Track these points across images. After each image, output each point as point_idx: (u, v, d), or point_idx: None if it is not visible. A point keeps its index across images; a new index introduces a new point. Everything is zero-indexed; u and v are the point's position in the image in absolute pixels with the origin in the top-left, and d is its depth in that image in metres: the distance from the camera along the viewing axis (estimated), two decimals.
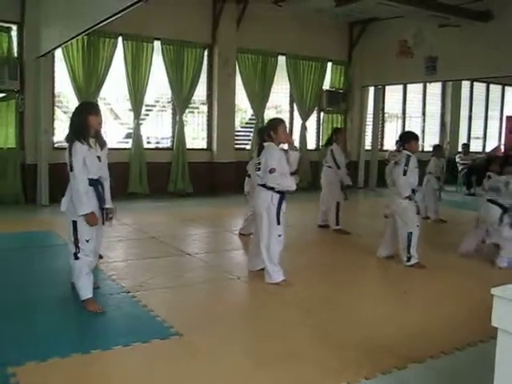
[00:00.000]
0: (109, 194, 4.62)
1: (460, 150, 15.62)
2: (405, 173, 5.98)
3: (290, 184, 5.23)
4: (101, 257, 5.85)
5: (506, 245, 6.17)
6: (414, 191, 6.09)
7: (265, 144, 5.33)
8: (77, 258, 4.39)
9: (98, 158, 4.42)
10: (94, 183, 4.41)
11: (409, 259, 6.11)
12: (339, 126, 12.84)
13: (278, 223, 5.23)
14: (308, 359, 3.65)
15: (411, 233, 6.03)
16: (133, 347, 3.76)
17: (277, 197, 5.21)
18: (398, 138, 6.44)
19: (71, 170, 4.27)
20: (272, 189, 5.20)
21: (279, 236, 5.27)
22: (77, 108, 4.68)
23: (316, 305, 4.81)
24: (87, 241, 4.37)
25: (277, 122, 5.40)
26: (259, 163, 5.28)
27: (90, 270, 4.50)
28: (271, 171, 5.13)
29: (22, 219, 8.74)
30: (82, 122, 4.34)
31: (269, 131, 5.32)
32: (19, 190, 10.18)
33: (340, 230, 8.14)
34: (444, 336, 4.12)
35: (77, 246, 4.37)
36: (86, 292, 4.43)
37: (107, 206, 4.56)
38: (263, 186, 5.26)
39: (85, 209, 4.27)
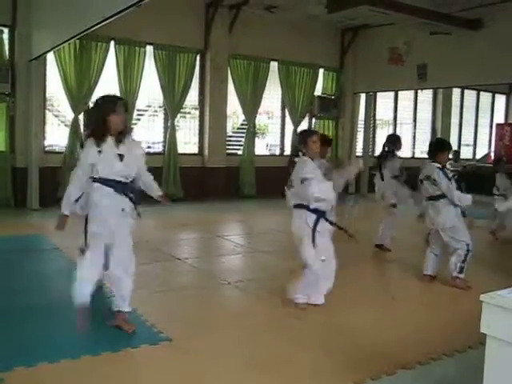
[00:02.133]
0: (151, 187, 4.40)
1: (451, 156, 15.69)
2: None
3: (329, 194, 4.68)
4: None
5: None
6: None
7: (297, 159, 4.83)
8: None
9: (120, 156, 3.99)
10: (114, 185, 3.99)
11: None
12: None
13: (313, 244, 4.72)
14: (298, 364, 3.65)
15: None
16: (122, 352, 3.74)
17: (312, 217, 4.72)
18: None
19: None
20: (307, 207, 4.72)
21: (322, 261, 4.76)
22: (95, 103, 4.25)
23: (307, 310, 4.81)
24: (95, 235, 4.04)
25: (306, 135, 4.92)
26: (292, 181, 4.78)
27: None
28: (303, 181, 4.63)
29: (11, 223, 8.69)
30: (99, 123, 3.97)
31: (300, 146, 4.82)
32: (9, 193, 10.13)
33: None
34: (433, 342, 4.13)
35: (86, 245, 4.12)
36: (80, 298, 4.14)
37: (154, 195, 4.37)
38: (297, 206, 4.79)
39: (63, 209, 4.04)
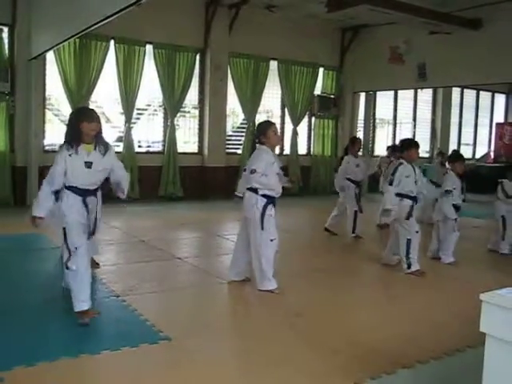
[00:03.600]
0: (121, 185, 4.50)
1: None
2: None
3: (273, 184, 5.09)
4: (97, 265, 5.82)
5: None
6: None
7: (257, 146, 5.24)
8: (67, 267, 4.23)
9: (88, 164, 4.19)
10: (82, 193, 4.24)
11: (409, 266, 6.08)
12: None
13: (262, 228, 5.08)
14: (297, 364, 3.65)
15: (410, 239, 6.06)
16: (122, 351, 3.74)
17: (262, 201, 5.08)
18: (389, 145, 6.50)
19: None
20: (256, 192, 5.09)
21: (271, 241, 5.13)
22: (70, 114, 4.60)
23: (306, 309, 4.81)
24: (76, 248, 4.18)
25: (266, 126, 5.28)
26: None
27: (84, 279, 4.24)
28: (252, 172, 5.04)
29: (11, 222, 8.68)
30: (74, 130, 4.21)
31: (259, 136, 5.22)
32: (9, 192, 10.14)
33: (357, 236, 8.12)
34: (433, 341, 4.13)
35: (69, 254, 4.21)
36: (80, 304, 4.24)
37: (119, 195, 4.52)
38: (249, 189, 5.16)
39: (35, 211, 4.23)
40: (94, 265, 5.74)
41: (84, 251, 4.23)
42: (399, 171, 6.04)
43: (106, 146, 4.34)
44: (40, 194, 4.27)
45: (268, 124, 5.33)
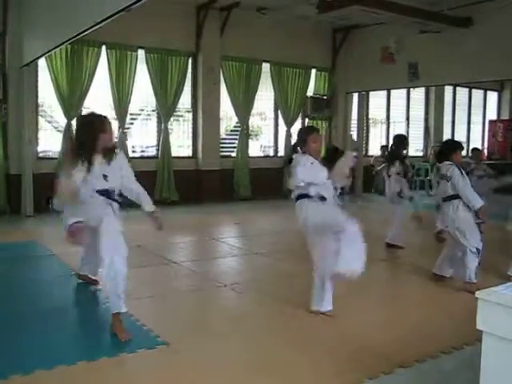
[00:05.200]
0: (142, 197, 4.57)
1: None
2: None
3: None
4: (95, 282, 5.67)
5: None
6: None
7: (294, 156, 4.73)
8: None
9: (104, 176, 4.15)
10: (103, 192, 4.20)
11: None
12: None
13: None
14: (297, 366, 3.65)
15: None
16: (119, 357, 3.74)
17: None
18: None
19: None
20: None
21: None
22: (84, 122, 4.40)
23: (302, 311, 4.81)
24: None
25: (305, 133, 4.85)
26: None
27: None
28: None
29: (6, 230, 8.65)
30: (90, 140, 4.08)
31: (298, 145, 4.75)
32: (3, 200, 10.09)
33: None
34: (430, 340, 4.14)
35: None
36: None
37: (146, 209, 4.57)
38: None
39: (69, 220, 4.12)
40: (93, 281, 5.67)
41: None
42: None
43: (111, 156, 4.26)
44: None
45: (309, 130, 5.00)
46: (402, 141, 7.83)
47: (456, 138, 17.99)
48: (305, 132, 4.97)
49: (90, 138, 4.09)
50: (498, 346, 2.16)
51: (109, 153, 4.19)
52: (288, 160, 4.77)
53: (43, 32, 8.61)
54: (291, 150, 4.95)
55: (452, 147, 5.77)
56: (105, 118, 4.28)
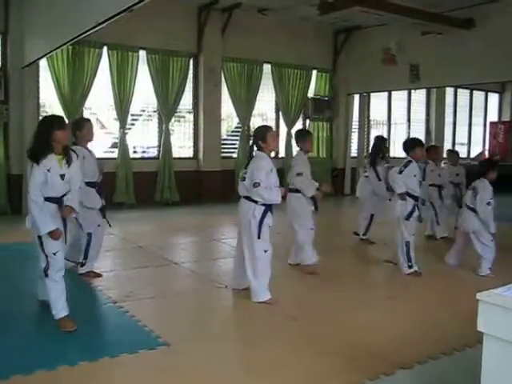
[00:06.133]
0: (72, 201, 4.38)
1: (445, 156, 15.71)
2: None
3: (276, 198, 4.93)
4: (82, 264, 5.77)
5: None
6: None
7: (254, 153, 5.06)
8: (46, 275, 4.21)
9: (61, 176, 4.20)
10: (56, 201, 4.24)
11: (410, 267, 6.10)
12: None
13: (259, 237, 4.90)
14: (295, 366, 3.65)
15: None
16: (120, 358, 3.73)
17: (260, 209, 4.92)
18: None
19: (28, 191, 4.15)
20: (255, 201, 4.92)
21: (265, 252, 4.96)
22: (42, 121, 4.45)
23: (304, 312, 4.81)
24: (54, 254, 4.17)
25: (264, 131, 5.12)
26: (245, 173, 5.00)
27: (62, 287, 4.27)
28: (255, 185, 4.85)
29: (7, 230, 8.65)
30: (46, 138, 4.15)
31: (257, 141, 5.05)
32: (4, 200, 10.09)
33: (367, 239, 8.00)
34: (431, 341, 4.13)
35: (47, 261, 4.20)
36: (60, 311, 4.26)
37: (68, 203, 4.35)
38: (247, 198, 5.00)
39: (46, 228, 4.14)
40: (96, 275, 5.75)
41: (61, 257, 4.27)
42: (409, 168, 6.07)
43: (71, 158, 4.33)
44: (35, 216, 4.18)
45: (266, 129, 5.21)
46: (378, 143, 7.97)
47: (456, 140, 18.08)
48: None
49: (47, 134, 4.17)
50: (498, 347, 2.16)
51: (67, 152, 4.29)
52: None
53: (45, 32, 8.62)
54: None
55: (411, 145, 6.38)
56: (62, 117, 4.41)
